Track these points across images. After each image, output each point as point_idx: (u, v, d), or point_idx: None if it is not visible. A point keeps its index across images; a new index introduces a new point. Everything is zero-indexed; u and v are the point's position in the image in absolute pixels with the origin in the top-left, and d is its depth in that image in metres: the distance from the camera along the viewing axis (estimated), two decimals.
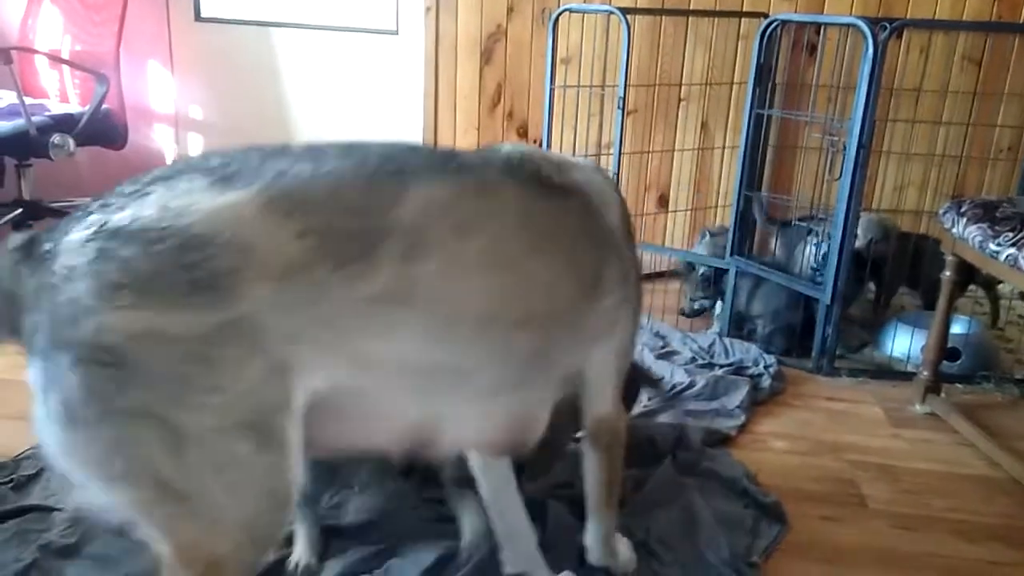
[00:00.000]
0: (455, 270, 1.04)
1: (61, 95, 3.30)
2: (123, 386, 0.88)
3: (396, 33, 3.51)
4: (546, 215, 1.17)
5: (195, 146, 3.76)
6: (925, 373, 2.31)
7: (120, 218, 0.90)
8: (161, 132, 3.75)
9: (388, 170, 1.04)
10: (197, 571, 0.96)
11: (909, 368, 2.49)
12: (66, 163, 3.05)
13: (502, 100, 3.48)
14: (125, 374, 0.87)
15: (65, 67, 3.26)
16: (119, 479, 0.91)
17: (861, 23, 2.24)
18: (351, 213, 0.98)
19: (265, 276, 0.92)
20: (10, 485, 1.70)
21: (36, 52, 3.26)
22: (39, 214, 3.26)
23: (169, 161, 3.77)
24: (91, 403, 0.88)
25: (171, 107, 3.71)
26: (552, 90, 2.91)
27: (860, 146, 2.31)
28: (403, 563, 1.53)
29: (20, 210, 3.16)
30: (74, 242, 0.90)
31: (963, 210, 2.14)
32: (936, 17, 3.07)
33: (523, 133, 3.50)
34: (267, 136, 3.80)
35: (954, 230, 2.15)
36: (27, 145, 2.92)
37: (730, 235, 2.70)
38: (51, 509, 1.63)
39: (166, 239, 0.88)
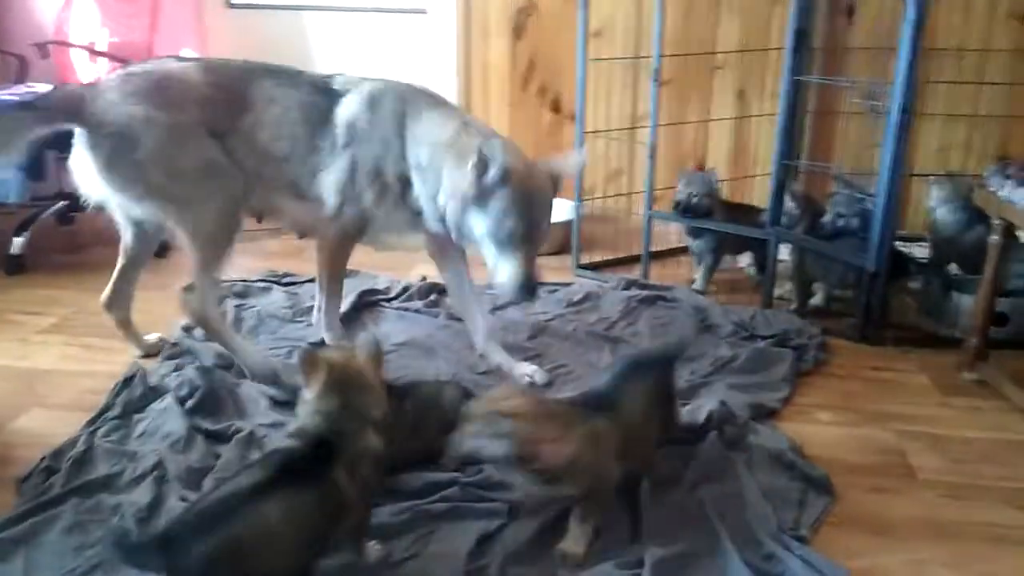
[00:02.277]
0: None
1: None
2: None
3: (424, 12, 3.49)
4: None
5: None
6: (973, 340, 2.27)
7: None
8: None
9: None
10: None
11: (956, 335, 2.45)
12: None
13: (534, 76, 3.46)
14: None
15: (101, 59, 3.30)
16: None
17: None
18: None
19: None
20: (69, 464, 1.76)
21: (72, 45, 3.30)
22: (81, 206, 3.31)
23: None
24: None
25: None
26: (585, 64, 2.87)
27: (903, 109, 2.25)
28: (443, 547, 1.55)
29: (63, 202, 3.22)
30: None
31: (1009, 172, 2.09)
32: None
33: (556, 108, 3.48)
34: None
35: (1000, 192, 2.10)
36: (66, 138, 2.96)
37: (770, 205, 2.66)
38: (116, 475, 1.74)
39: None
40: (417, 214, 2.07)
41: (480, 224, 1.90)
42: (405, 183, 2.05)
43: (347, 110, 2.06)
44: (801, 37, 2.53)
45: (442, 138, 1.99)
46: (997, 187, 2.11)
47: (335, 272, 2.22)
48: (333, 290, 2.24)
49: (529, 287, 1.91)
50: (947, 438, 2.00)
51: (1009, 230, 2.15)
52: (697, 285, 2.89)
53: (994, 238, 2.18)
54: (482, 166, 1.83)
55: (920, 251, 2.82)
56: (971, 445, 1.97)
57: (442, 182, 1.96)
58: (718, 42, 3.25)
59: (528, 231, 1.89)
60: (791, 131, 2.63)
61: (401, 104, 2.06)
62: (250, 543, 1.23)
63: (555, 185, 1.98)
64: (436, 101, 2.12)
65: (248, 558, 1.23)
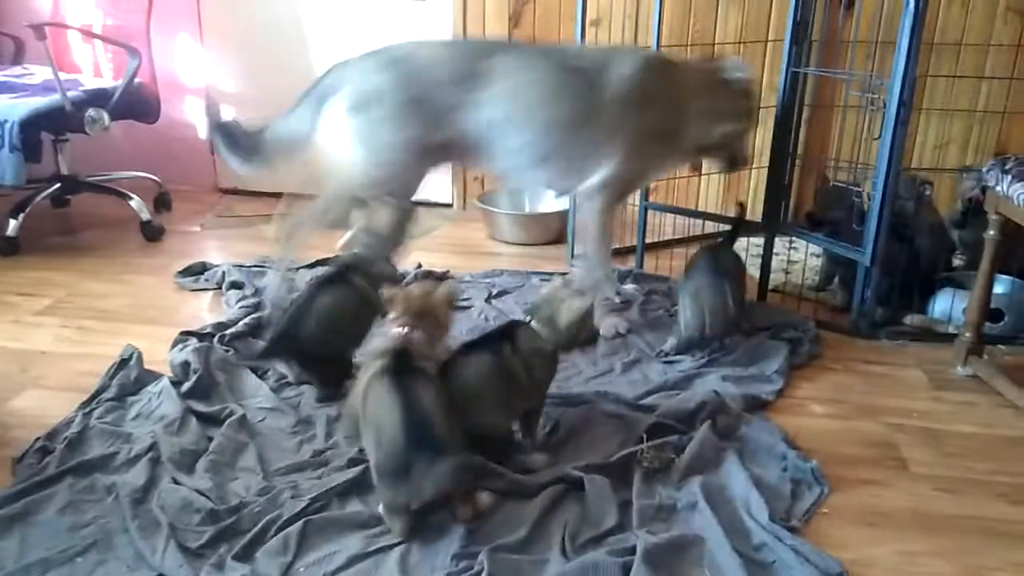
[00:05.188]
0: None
1: (94, 70, 3.33)
2: None
3: None
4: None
5: (225, 117, 3.76)
6: (967, 335, 2.28)
7: None
8: (192, 105, 3.77)
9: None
10: None
11: (951, 330, 2.45)
12: (101, 138, 3.08)
13: None
14: None
15: (97, 42, 3.28)
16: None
17: None
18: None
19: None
20: (64, 444, 1.77)
21: (68, 27, 3.28)
22: (76, 189, 3.31)
23: (202, 134, 3.79)
24: None
25: (201, 79, 3.72)
26: None
27: (900, 104, 2.25)
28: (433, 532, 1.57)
29: (58, 184, 3.21)
30: None
31: (1008, 167, 2.09)
32: None
33: None
34: None
35: (998, 188, 2.10)
36: (63, 120, 2.95)
37: (765, 198, 2.66)
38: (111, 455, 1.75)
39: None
40: None
41: None
42: None
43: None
44: (800, 29, 2.52)
45: None
46: (995, 182, 2.11)
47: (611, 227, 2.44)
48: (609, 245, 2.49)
49: None
50: (940, 432, 2.01)
51: (1005, 226, 2.15)
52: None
53: (991, 233, 2.18)
54: None
55: None
56: (964, 439, 1.98)
57: None
58: (717, 33, 3.24)
59: None
60: (788, 124, 2.63)
61: None
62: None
63: None
64: None
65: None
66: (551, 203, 3.44)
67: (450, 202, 3.73)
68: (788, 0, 2.51)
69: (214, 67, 3.69)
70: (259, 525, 1.54)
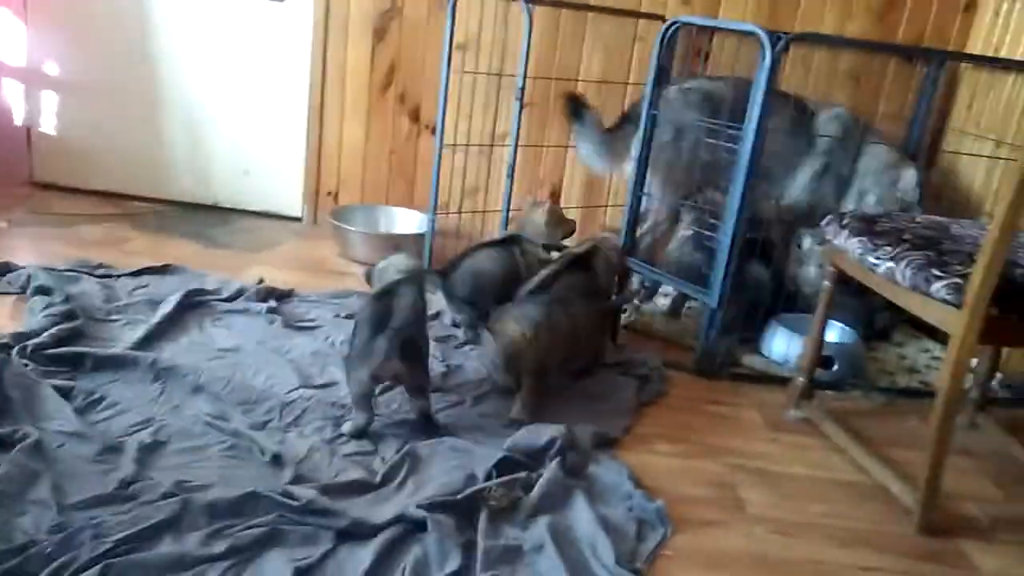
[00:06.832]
0: None
1: None
2: None
3: (281, 0, 3.30)
4: None
5: (48, 104, 3.41)
6: (800, 379, 2.37)
7: None
8: (8, 87, 3.38)
9: None
10: None
11: (786, 373, 2.55)
12: None
13: (394, 81, 3.35)
14: None
15: None
16: None
17: (761, 32, 2.27)
18: None
19: None
20: None
21: None
22: None
23: (17, 120, 3.41)
24: None
25: (21, 60, 3.35)
26: (448, 75, 2.80)
27: (753, 151, 2.33)
28: None
29: None
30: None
31: (844, 222, 2.20)
32: (820, 31, 3.17)
33: (415, 117, 3.38)
34: (133, 98, 3.50)
35: (835, 241, 2.21)
36: None
37: (624, 234, 2.69)
38: None
39: None
40: None
41: None
42: None
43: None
44: (661, 74, 2.59)
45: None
46: (832, 235, 2.21)
47: None
48: None
49: None
50: (775, 473, 2.06)
51: (840, 277, 2.26)
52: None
53: (826, 283, 2.29)
54: None
55: None
56: (796, 481, 2.04)
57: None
58: (580, 71, 3.28)
59: None
60: (647, 163, 2.68)
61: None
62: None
63: None
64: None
65: None
66: (407, 224, 3.33)
67: (299, 215, 3.54)
68: (649, 48, 2.57)
69: (39, 48, 3.34)
70: (49, 568, 1.33)
